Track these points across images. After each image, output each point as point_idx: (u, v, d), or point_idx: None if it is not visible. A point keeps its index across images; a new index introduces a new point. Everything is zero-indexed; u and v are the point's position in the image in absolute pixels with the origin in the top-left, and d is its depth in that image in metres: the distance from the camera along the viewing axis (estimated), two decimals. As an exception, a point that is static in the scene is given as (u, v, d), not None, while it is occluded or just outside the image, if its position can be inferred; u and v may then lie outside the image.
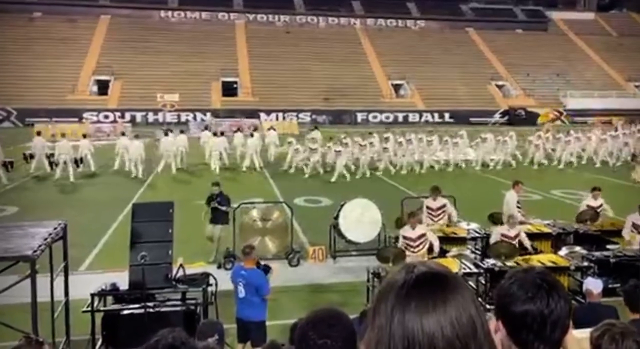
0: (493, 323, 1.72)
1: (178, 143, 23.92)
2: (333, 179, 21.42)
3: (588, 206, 12.50)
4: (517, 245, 10.14)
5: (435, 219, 12.15)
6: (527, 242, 10.47)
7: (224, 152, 24.27)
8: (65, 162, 21.57)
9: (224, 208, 12.12)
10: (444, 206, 12.27)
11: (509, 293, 1.73)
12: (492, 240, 10.45)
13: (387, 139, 24.21)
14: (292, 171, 23.36)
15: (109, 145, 27.22)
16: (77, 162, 22.25)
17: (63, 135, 25.40)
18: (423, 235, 10.15)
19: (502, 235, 10.24)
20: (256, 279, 7.58)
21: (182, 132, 26.29)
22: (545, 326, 1.68)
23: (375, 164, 23.59)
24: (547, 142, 26.51)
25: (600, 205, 12.50)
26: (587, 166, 25.32)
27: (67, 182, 20.98)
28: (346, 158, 22.43)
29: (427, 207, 12.22)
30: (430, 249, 10.26)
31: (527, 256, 10.03)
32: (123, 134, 25.94)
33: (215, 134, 25.70)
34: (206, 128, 29.18)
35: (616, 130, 28.89)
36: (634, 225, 10.97)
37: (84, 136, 25.63)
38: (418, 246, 10.03)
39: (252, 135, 25.54)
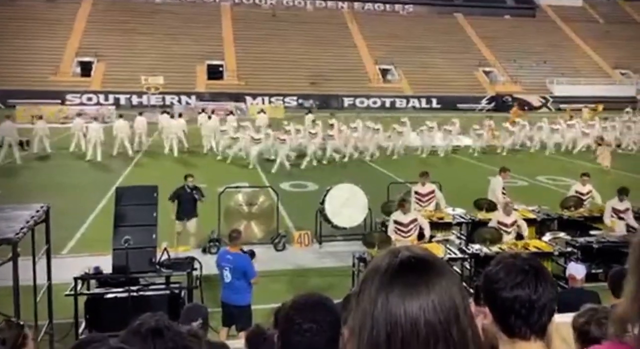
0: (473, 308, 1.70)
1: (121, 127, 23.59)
2: (273, 170, 20.17)
3: (577, 191, 12.60)
4: (514, 232, 10.23)
5: (424, 204, 12.17)
6: (524, 228, 10.52)
7: (182, 136, 23.97)
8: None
9: (202, 200, 11.68)
10: (433, 191, 12.30)
11: (497, 279, 1.73)
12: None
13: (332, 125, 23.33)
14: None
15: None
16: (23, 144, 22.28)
17: (40, 117, 24.91)
18: (414, 220, 10.22)
19: (499, 222, 10.29)
20: (243, 264, 7.56)
21: (140, 114, 25.89)
22: (533, 312, 1.68)
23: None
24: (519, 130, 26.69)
25: (589, 191, 12.59)
26: (575, 154, 25.35)
27: (49, 164, 20.86)
28: (288, 148, 21.19)
29: (416, 193, 12.21)
30: (422, 235, 10.30)
31: (512, 242, 10.10)
32: (79, 115, 25.37)
33: (172, 117, 25.49)
34: (165, 112, 27.94)
35: (571, 118, 28.59)
36: (614, 210, 11.09)
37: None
38: (409, 231, 10.07)
39: (209, 117, 25.46)
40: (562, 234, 10.94)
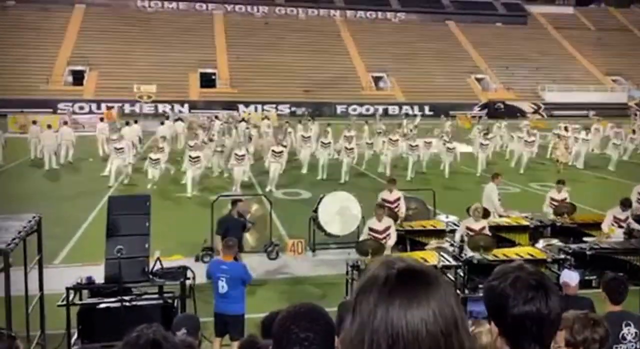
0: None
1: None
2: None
3: (552, 198, 12.69)
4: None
5: (394, 210, 11.93)
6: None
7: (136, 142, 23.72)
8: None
9: (249, 228, 10.63)
10: (399, 198, 12.21)
11: (505, 295, 1.71)
12: (457, 234, 10.50)
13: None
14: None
15: (85, 137, 26.87)
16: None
17: (34, 122, 24.87)
18: (389, 227, 10.19)
19: (467, 228, 10.25)
20: (239, 272, 7.54)
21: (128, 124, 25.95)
22: (543, 327, 1.68)
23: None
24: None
25: (565, 198, 12.66)
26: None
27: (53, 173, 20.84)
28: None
29: (384, 200, 11.93)
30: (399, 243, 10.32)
31: (505, 249, 10.10)
32: (34, 123, 25.02)
33: (127, 123, 25.56)
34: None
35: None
36: (616, 219, 11.11)
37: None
38: (384, 238, 10.02)
39: (162, 123, 25.72)
40: (555, 241, 10.96)
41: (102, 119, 28.26)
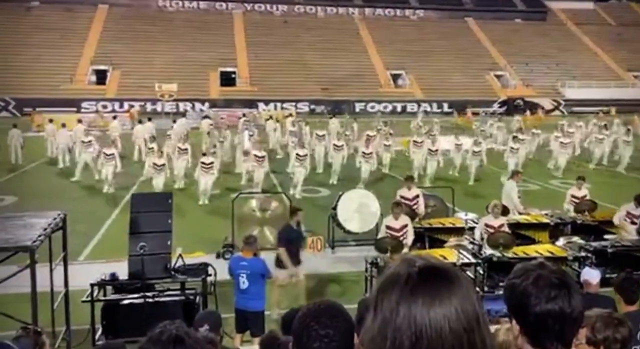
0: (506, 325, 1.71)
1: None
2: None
3: (572, 195, 12.57)
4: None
5: (413, 208, 11.91)
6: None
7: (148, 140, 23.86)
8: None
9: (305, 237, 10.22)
10: (418, 196, 12.15)
11: (527, 293, 1.70)
12: (476, 231, 10.45)
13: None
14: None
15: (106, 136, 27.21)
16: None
17: (50, 121, 25.29)
18: (406, 226, 10.10)
19: (486, 225, 10.22)
20: (260, 267, 7.63)
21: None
22: (565, 325, 1.67)
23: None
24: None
25: (585, 195, 12.54)
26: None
27: (66, 171, 21.03)
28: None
29: (402, 197, 11.90)
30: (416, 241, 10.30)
31: (525, 247, 10.07)
32: (50, 121, 25.26)
33: (140, 122, 25.68)
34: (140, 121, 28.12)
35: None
36: (629, 214, 11.00)
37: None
38: (401, 236, 9.96)
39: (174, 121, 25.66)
40: (575, 239, 10.88)
41: (114, 118, 28.76)
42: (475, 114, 40.09)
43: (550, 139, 23.73)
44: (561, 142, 21.91)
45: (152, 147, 18.88)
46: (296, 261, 9.25)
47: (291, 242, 9.27)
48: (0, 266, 6.56)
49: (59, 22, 49.58)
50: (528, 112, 41.69)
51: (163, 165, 17.10)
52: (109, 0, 54.16)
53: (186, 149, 18.77)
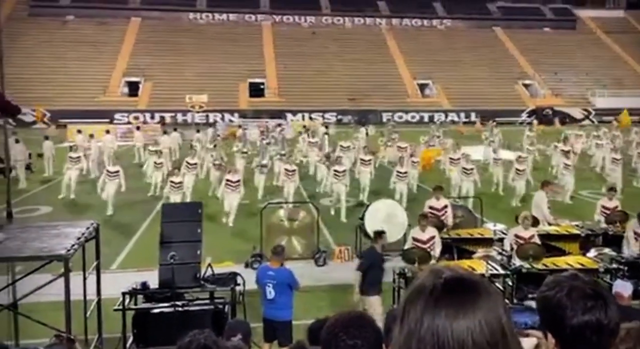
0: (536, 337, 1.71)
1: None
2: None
3: (603, 206, 12.35)
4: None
5: (442, 218, 11.81)
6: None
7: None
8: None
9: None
10: (446, 206, 12.06)
11: (562, 305, 1.67)
12: (506, 242, 10.34)
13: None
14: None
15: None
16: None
17: (79, 131, 25.94)
18: (433, 237, 10.02)
19: (516, 236, 10.11)
20: (286, 277, 7.67)
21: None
22: (602, 336, 1.65)
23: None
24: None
25: (616, 206, 12.32)
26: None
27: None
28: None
29: (431, 207, 11.88)
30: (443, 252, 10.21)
31: (555, 258, 9.93)
32: (79, 132, 25.73)
33: (165, 133, 25.90)
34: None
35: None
36: (636, 233, 10.73)
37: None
38: (428, 247, 9.87)
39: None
40: (607, 250, 10.68)
41: (138, 128, 29.40)
42: (500, 124, 39.64)
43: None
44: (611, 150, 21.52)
45: (161, 162, 18.97)
46: (374, 290, 8.55)
47: (372, 267, 8.66)
48: (35, 274, 6.71)
49: (92, 35, 50.78)
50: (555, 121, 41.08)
51: (180, 183, 15.78)
52: (142, 13, 55.46)
53: (195, 164, 18.26)
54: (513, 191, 17.92)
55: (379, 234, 9.15)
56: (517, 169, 17.70)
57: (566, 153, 20.38)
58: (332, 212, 16.38)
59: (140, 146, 24.04)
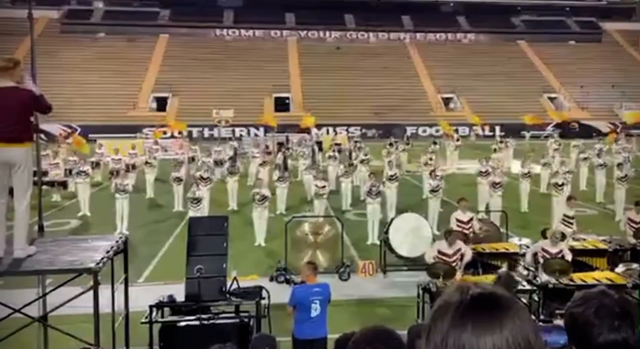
0: None
1: None
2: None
3: (629, 219, 12.19)
4: None
5: (467, 232, 11.80)
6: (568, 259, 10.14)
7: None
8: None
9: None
10: (472, 218, 12.06)
11: (590, 323, 1.67)
12: (529, 252, 10.21)
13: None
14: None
15: (164, 160, 27.98)
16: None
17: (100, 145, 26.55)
18: (459, 250, 9.97)
19: (543, 250, 9.95)
20: (329, 292, 7.63)
21: None
22: None
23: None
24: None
25: None
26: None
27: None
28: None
29: (458, 220, 11.86)
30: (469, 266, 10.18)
31: (583, 273, 9.82)
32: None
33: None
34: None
35: None
36: (630, 220, 10.93)
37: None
38: (454, 261, 9.84)
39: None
40: (635, 265, 10.53)
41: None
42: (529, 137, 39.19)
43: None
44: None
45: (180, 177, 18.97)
46: None
47: None
48: (65, 287, 6.85)
49: (122, 52, 51.84)
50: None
51: (199, 201, 15.32)
52: (170, 30, 56.54)
53: (208, 179, 18.19)
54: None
55: (507, 279, 8.02)
56: (556, 184, 16.98)
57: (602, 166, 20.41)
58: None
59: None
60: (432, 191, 16.51)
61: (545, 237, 11.81)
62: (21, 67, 6.06)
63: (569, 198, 12.85)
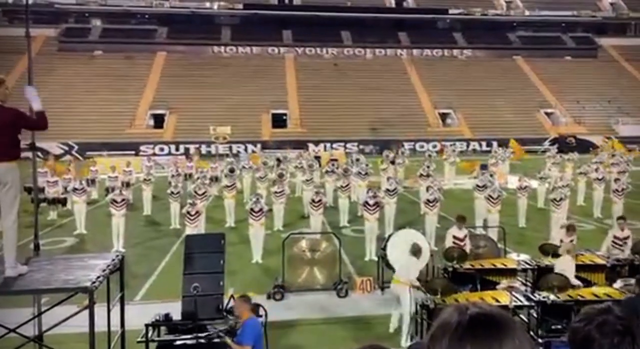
0: None
1: None
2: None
3: (615, 237, 12.17)
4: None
5: (463, 248, 11.76)
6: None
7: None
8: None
9: None
10: (467, 236, 12.14)
11: (590, 339, 1.67)
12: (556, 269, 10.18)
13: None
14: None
15: (162, 177, 27.96)
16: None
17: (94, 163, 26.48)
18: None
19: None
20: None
21: None
22: None
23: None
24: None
25: (627, 236, 12.14)
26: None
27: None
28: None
29: (454, 237, 11.95)
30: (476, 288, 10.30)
31: (581, 289, 9.78)
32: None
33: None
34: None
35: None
36: (616, 237, 11.29)
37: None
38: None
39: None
40: (633, 281, 10.48)
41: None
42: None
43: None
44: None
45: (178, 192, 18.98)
46: None
47: None
48: (60, 306, 6.81)
49: (120, 69, 51.97)
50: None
51: (195, 216, 15.08)
52: (167, 47, 56.81)
53: (205, 193, 17.94)
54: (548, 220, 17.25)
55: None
56: (554, 200, 16.96)
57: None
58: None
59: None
60: (429, 202, 16.46)
61: (543, 253, 11.83)
62: (6, 85, 6.08)
63: (619, 219, 12.76)
